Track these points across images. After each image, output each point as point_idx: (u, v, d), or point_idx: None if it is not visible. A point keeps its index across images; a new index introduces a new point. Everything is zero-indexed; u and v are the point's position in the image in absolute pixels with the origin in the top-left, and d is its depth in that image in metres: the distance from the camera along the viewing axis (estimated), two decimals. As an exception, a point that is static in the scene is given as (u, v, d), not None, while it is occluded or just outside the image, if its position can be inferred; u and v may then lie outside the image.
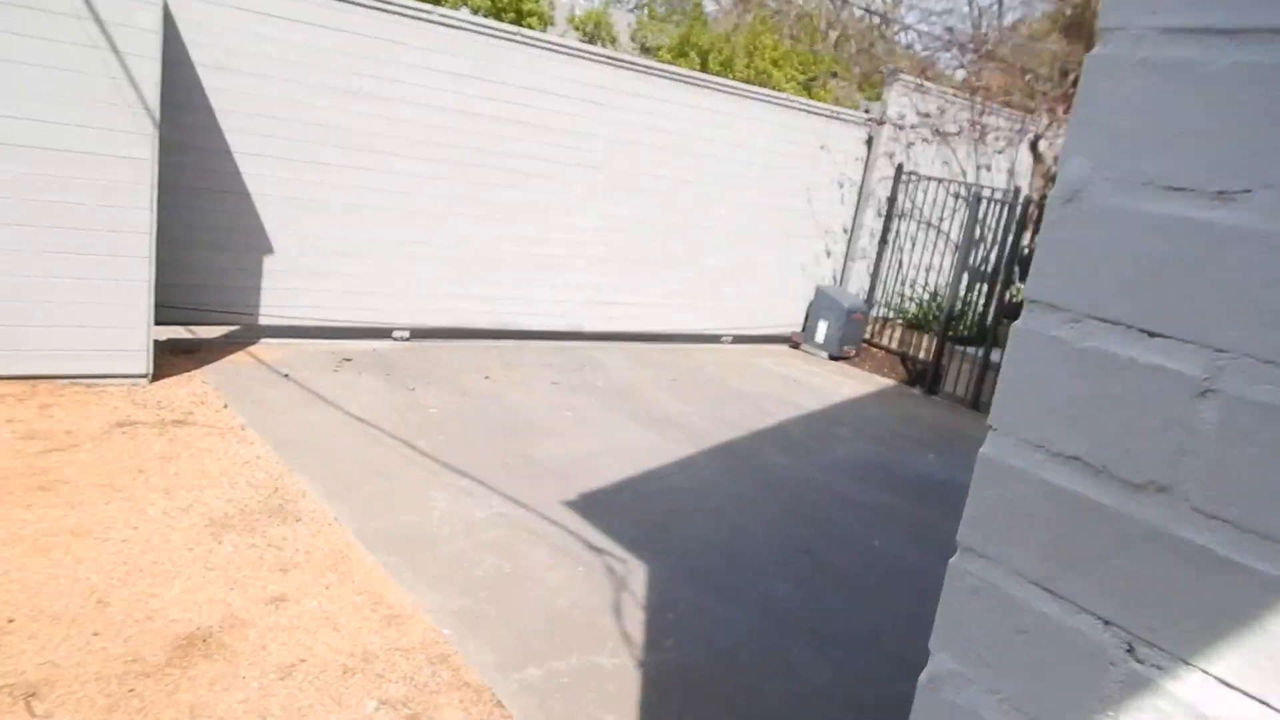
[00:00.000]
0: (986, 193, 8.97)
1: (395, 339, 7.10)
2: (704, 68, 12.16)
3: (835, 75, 14.58)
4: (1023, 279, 10.72)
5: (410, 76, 6.73)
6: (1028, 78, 10.11)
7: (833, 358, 9.54)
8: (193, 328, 6.30)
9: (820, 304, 9.59)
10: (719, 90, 8.46)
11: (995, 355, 8.57)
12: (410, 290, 7.12)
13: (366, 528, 3.96)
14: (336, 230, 6.67)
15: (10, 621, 2.83)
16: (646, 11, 17.48)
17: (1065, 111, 9.70)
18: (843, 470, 6.11)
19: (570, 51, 7.52)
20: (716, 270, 9.00)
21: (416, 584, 3.58)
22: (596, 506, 4.72)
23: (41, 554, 3.27)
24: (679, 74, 8.24)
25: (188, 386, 5.32)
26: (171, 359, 5.68)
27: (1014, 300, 10.49)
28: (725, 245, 8.97)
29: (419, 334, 7.23)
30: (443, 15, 6.82)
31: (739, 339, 9.41)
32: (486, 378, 6.61)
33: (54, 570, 3.17)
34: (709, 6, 20.29)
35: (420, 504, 4.32)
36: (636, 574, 4.05)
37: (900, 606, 4.24)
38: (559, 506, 4.61)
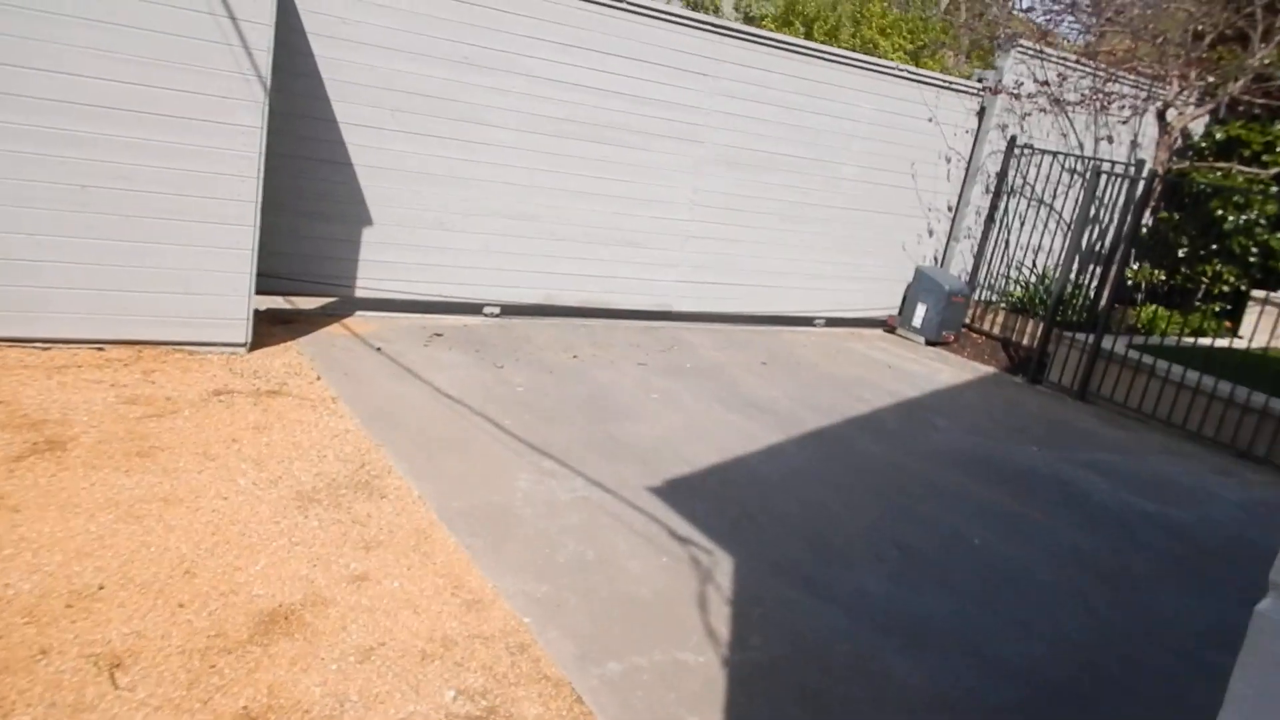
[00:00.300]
0: (1106, 166, 8.38)
1: (486, 315, 7.09)
2: (809, 37, 11.74)
3: (944, 45, 13.93)
4: (1141, 259, 10.04)
5: (517, 46, 6.64)
6: (1159, 40, 9.37)
7: (930, 342, 9.13)
8: (291, 298, 6.41)
9: (919, 286, 9.18)
10: (823, 59, 8.12)
11: (1106, 342, 8.04)
12: (503, 266, 7.09)
13: (449, 507, 3.92)
14: (435, 203, 6.67)
15: (100, 589, 2.88)
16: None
17: (1197, 77, 8.97)
18: (939, 460, 5.82)
19: (673, 19, 7.30)
20: (812, 249, 8.70)
21: (498, 568, 3.51)
22: (681, 492, 4.59)
23: (135, 521, 3.33)
24: (783, 42, 7.93)
25: (283, 357, 5.40)
26: (270, 329, 5.79)
27: (1132, 282, 9.84)
28: (822, 223, 8.66)
29: (509, 310, 7.20)
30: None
31: (832, 321, 9.10)
32: (574, 356, 6.54)
33: (146, 538, 3.22)
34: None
35: (503, 484, 4.27)
36: (722, 565, 3.91)
37: (1001, 609, 3.98)
38: (643, 491, 4.50)
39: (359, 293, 6.60)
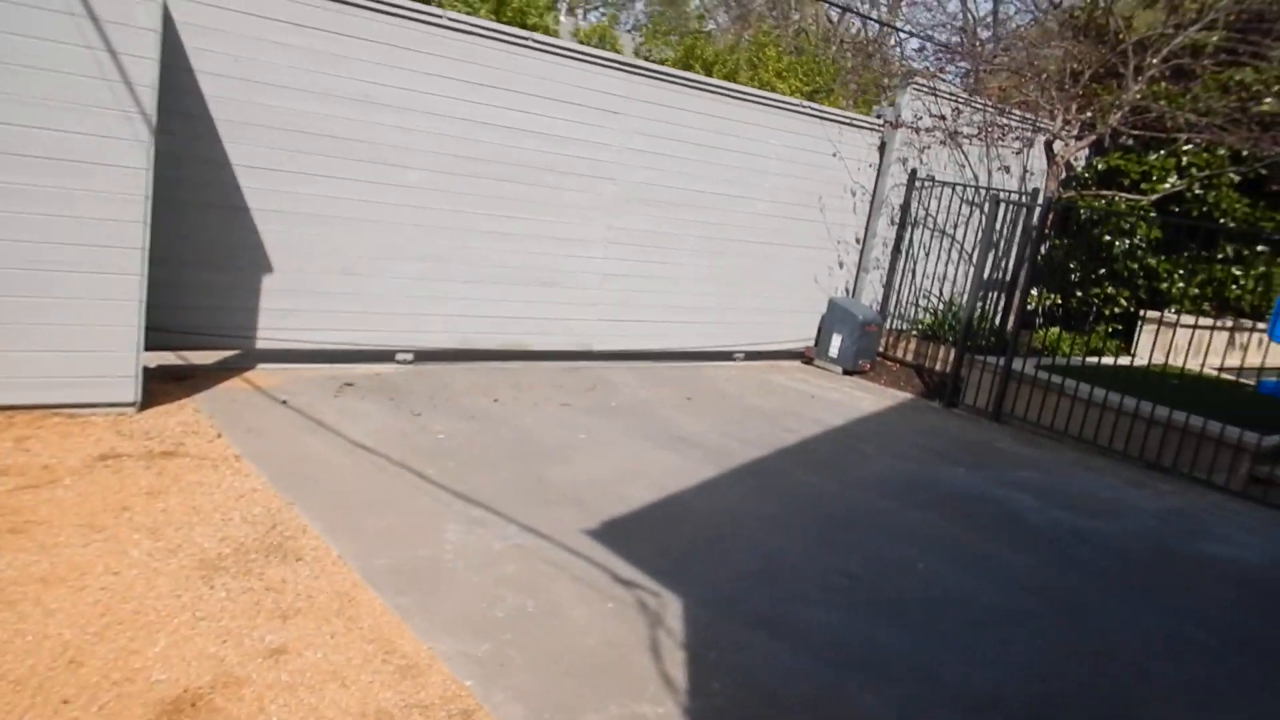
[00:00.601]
0: (1005, 195, 8.68)
1: (399, 362, 6.76)
2: (707, 80, 11.94)
3: (832, 91, 14.41)
4: (1038, 285, 10.42)
5: (422, 85, 6.43)
6: (1043, 77, 9.85)
7: (847, 372, 9.21)
8: (184, 353, 5.95)
9: (834, 316, 9.28)
10: (733, 97, 8.19)
11: (1016, 364, 8.25)
12: (416, 310, 6.79)
13: (374, 565, 3.60)
14: (340, 247, 6.34)
15: (-31, 688, 2.47)
16: (649, 29, 17.37)
17: (1078, 111, 9.44)
18: (874, 488, 5.76)
19: (583, 57, 7.24)
20: (728, 284, 8.69)
21: (431, 628, 3.22)
22: (621, 534, 4.37)
23: (6, 607, 2.90)
24: (693, 80, 7.96)
25: (179, 415, 4.97)
26: (162, 386, 5.33)
27: (1031, 307, 10.19)
28: (737, 258, 8.67)
29: (424, 356, 6.89)
30: (454, 19, 6.54)
31: (751, 355, 9.08)
32: (496, 400, 6.27)
33: (19, 625, 2.81)
34: (708, 26, 20.16)
35: (431, 537, 3.97)
36: (671, 608, 3.69)
37: (953, 635, 3.88)
38: (580, 535, 4.26)
39: (260, 344, 6.19)
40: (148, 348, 4.94)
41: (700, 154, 8.10)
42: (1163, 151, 10.42)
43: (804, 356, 9.50)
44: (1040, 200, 8.45)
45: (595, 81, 7.26)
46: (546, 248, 7.35)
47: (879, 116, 9.50)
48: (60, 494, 3.77)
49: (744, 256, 8.70)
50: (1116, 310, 10.54)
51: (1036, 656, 3.82)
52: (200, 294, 5.89)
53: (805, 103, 8.99)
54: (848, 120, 9.20)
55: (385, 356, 6.70)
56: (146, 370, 5.02)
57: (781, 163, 8.69)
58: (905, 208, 9.66)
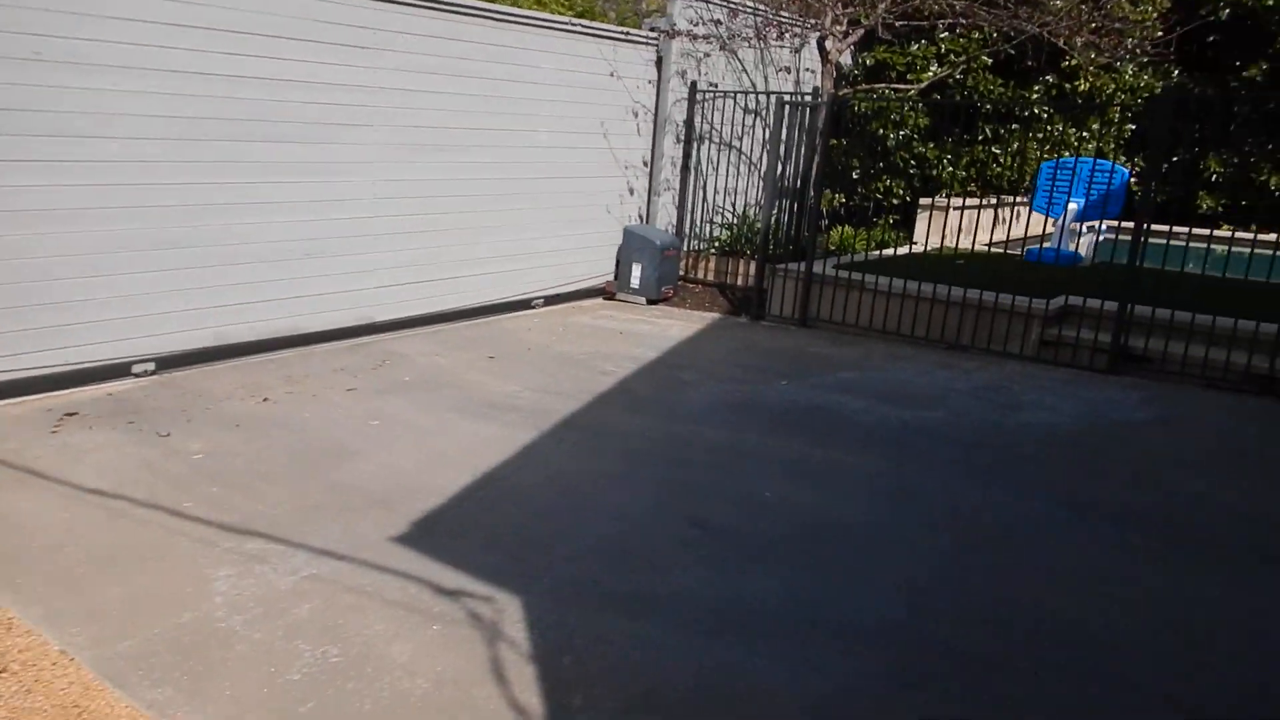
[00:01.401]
0: (789, 97, 8.49)
1: (137, 374, 5.62)
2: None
3: (594, 11, 13.79)
4: (830, 187, 10.45)
5: (111, 32, 5.16)
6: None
7: (651, 301, 8.86)
8: None
9: (631, 246, 8.84)
10: (499, 20, 7.36)
11: (816, 268, 8.20)
12: (152, 309, 5.63)
13: (116, 653, 2.77)
14: (35, 247, 5.06)
15: None
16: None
17: (845, 8, 9.37)
18: (702, 418, 5.42)
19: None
20: (518, 227, 8.00)
21: (205, 719, 2.47)
22: (437, 534, 3.73)
23: None
24: (453, 4, 7.02)
25: None
26: None
27: (830, 208, 10.22)
28: (524, 198, 7.97)
29: (170, 363, 5.77)
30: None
31: (552, 299, 8.49)
32: (265, 400, 5.34)
33: None
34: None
35: (195, 591, 3.15)
36: (509, 612, 3.13)
37: (832, 571, 3.58)
38: (389, 546, 3.58)
39: (-60, 383, 4.89)
40: None
41: (470, 87, 7.28)
42: (924, 41, 10.65)
43: (606, 292, 9.03)
44: (823, 98, 8.32)
45: (334, 13, 6.24)
46: (304, 214, 6.34)
47: (653, 29, 8.99)
48: None
49: (531, 195, 8.03)
50: (895, 201, 10.81)
51: (927, 578, 3.59)
52: None
53: (576, 20, 8.33)
54: (622, 35, 8.63)
55: (118, 371, 5.54)
56: None
57: (559, 89, 8.03)
58: (690, 123, 9.31)
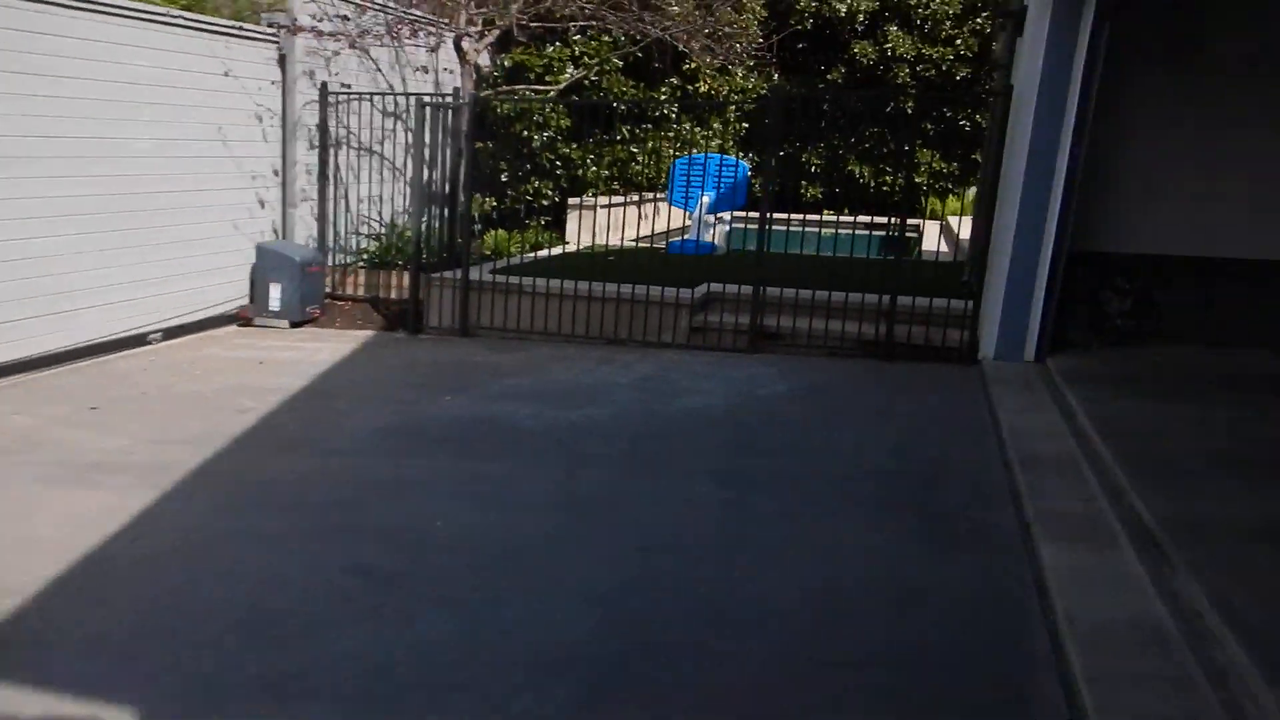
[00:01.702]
0: (429, 99, 8.10)
1: None
2: None
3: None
4: (480, 190, 10.23)
5: None
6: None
7: (296, 324, 8.04)
8: None
9: (266, 264, 7.94)
10: (65, 7, 6.13)
11: (473, 274, 7.95)
12: None
13: None
14: None
15: None
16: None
17: (479, 7, 9.17)
18: (361, 449, 4.95)
19: None
20: (122, 250, 6.79)
21: None
22: (14, 647, 2.93)
23: None
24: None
25: None
26: None
27: (481, 213, 9.97)
28: (122, 216, 6.78)
29: None
30: None
31: (173, 332, 7.37)
32: None
33: None
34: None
35: None
36: (120, 733, 2.51)
37: (500, 596, 3.35)
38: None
39: None
40: None
41: (45, 88, 6.02)
42: (559, 43, 10.79)
43: (240, 319, 8.05)
44: (464, 99, 8.04)
45: None
46: None
47: (271, 25, 8.10)
48: None
49: (132, 213, 6.86)
50: (545, 203, 10.89)
51: (613, 588, 3.47)
52: None
53: (178, 12, 7.23)
54: (236, 30, 7.65)
55: None
56: None
57: (161, 89, 6.92)
58: (324, 128, 8.56)
